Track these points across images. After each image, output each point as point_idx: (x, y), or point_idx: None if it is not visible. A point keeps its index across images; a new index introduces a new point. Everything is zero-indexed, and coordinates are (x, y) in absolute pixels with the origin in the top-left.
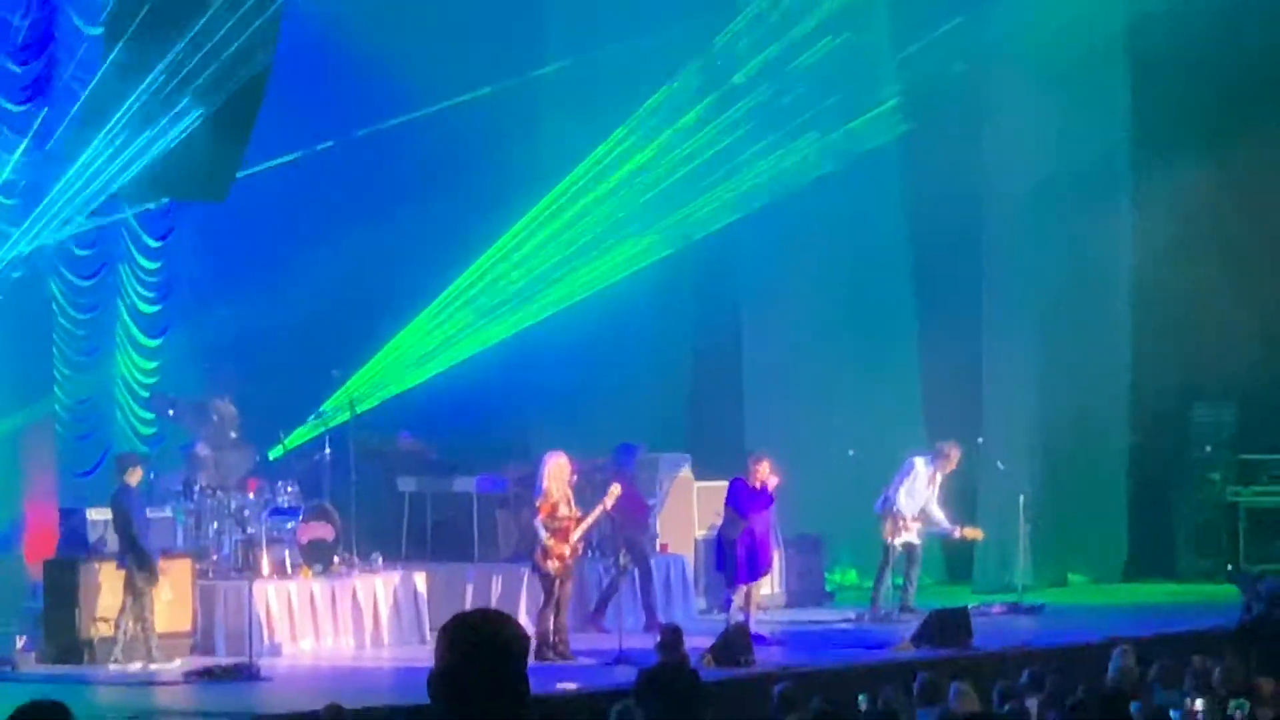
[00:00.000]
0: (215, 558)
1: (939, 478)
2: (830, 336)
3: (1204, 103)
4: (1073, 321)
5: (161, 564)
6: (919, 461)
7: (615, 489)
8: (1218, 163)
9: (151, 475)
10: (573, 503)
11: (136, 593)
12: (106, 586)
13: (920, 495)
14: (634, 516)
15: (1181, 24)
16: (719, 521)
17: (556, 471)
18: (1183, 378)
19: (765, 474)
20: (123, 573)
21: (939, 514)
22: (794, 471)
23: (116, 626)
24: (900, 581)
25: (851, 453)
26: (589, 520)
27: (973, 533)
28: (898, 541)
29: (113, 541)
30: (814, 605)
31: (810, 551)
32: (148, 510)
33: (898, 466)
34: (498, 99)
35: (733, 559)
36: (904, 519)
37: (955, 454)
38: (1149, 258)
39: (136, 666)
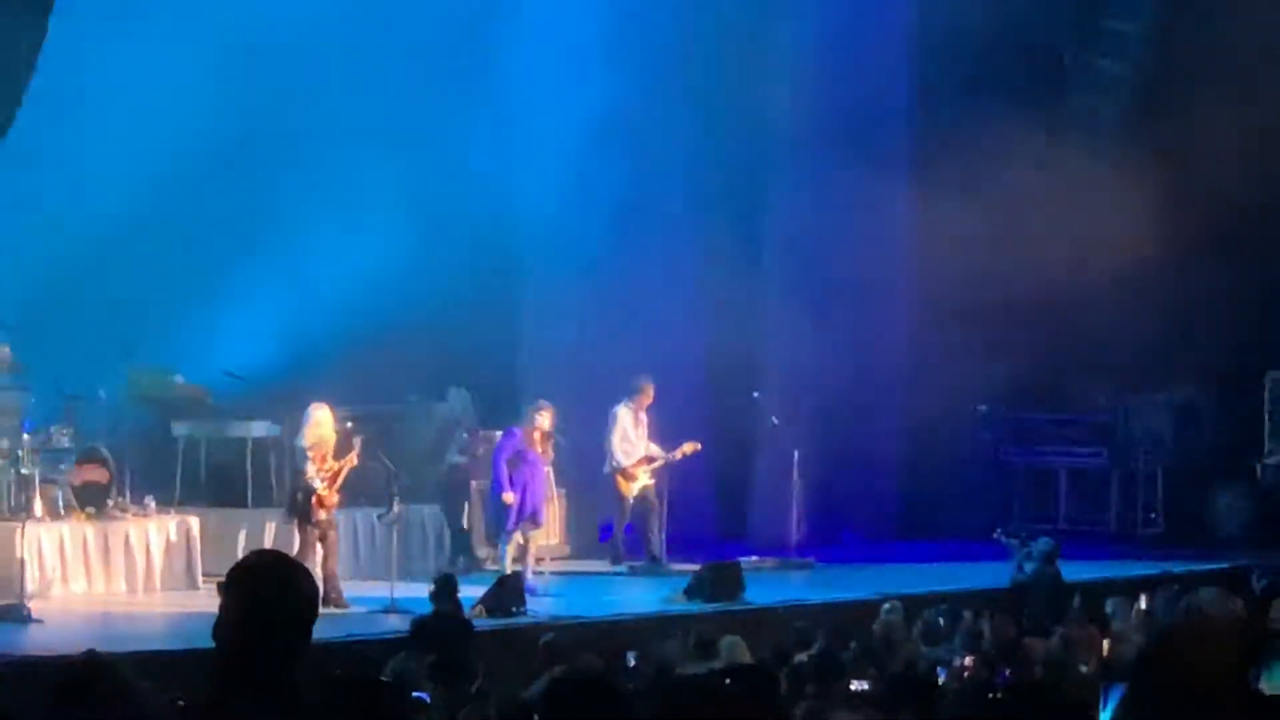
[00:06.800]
0: None
1: (642, 415)
2: None
3: None
4: None
5: None
6: (619, 410)
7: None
8: None
9: None
10: (332, 454)
11: None
12: None
13: (634, 439)
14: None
15: None
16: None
17: (325, 421)
18: None
19: (546, 424)
20: None
21: (655, 449)
22: (578, 419)
23: None
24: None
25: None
26: (343, 470)
27: (690, 447)
28: (632, 492)
29: None
30: (596, 556)
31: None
32: None
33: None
34: None
35: (502, 508)
36: (629, 469)
37: (649, 386)
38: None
39: None
